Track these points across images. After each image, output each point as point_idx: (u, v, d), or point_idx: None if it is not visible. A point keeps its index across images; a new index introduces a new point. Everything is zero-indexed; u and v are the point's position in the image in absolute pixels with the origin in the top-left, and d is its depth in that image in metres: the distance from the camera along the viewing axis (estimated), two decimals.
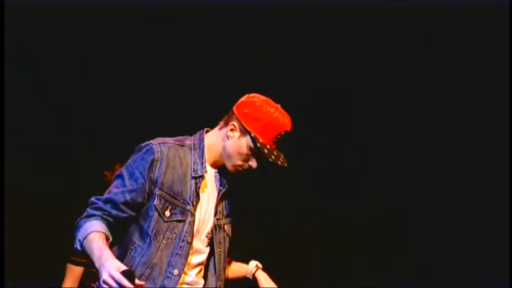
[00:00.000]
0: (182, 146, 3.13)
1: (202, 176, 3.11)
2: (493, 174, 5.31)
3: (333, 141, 5.56)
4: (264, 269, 3.55)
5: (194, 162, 3.12)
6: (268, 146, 3.06)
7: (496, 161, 5.29)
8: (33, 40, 5.35)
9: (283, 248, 5.56)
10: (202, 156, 3.13)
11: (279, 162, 3.07)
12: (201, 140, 3.17)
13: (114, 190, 3.04)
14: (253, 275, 3.49)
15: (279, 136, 3.08)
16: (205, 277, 3.18)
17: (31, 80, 5.43)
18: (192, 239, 3.06)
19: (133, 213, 3.04)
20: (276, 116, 3.08)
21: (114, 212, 3.02)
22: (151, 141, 3.10)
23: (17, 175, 5.31)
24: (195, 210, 3.08)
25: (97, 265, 2.85)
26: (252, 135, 3.06)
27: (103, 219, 3.01)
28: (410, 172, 5.51)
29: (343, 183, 5.58)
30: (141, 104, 5.51)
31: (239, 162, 3.11)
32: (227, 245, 3.22)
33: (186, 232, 3.05)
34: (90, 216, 3.02)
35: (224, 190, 3.17)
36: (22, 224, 5.37)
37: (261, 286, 3.48)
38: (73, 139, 5.46)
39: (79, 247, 2.97)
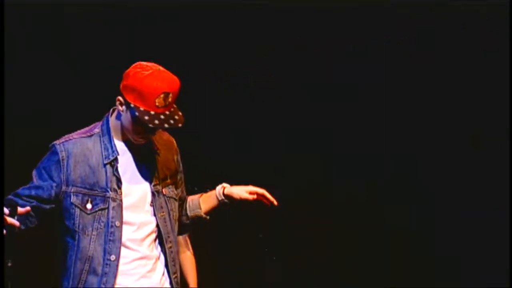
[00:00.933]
0: (90, 136, 3.21)
1: (115, 159, 3.18)
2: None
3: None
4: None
5: (104, 149, 3.18)
6: (151, 112, 3.06)
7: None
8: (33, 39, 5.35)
9: None
10: (110, 140, 3.19)
11: (167, 125, 3.07)
12: (106, 123, 3.23)
13: (21, 188, 3.16)
14: (223, 195, 3.39)
15: (160, 99, 3.07)
16: (157, 244, 3.25)
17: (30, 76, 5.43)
18: (121, 222, 3.13)
19: (38, 207, 3.11)
20: (148, 80, 3.08)
21: (20, 202, 3.09)
22: (56, 141, 3.20)
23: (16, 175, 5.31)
24: (118, 193, 3.14)
25: None
26: (132, 105, 3.09)
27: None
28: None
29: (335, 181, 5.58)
30: None
31: (136, 134, 3.15)
32: (171, 206, 3.27)
33: (112, 217, 3.13)
34: None
35: (148, 158, 3.22)
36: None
37: (237, 198, 3.37)
38: None
39: None
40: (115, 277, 3.13)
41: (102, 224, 3.13)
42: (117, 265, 3.13)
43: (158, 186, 3.23)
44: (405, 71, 5.42)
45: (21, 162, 4.86)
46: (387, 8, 5.24)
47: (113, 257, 3.13)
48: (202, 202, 3.43)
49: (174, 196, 3.30)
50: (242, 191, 3.34)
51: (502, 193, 5.21)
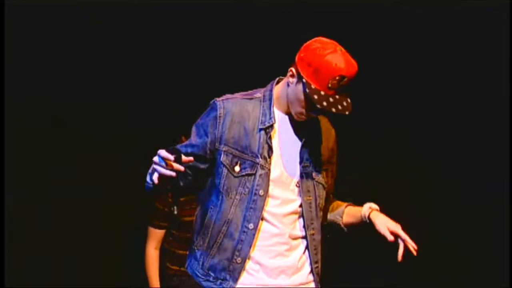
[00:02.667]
0: (251, 99, 3.12)
1: (271, 126, 3.07)
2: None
3: None
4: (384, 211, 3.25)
5: (262, 114, 3.08)
6: (322, 92, 2.94)
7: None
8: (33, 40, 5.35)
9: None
10: (270, 106, 3.09)
11: (334, 110, 2.93)
12: (270, 90, 3.13)
13: (179, 145, 3.12)
14: (368, 217, 3.19)
15: (334, 81, 2.93)
16: (299, 226, 3.14)
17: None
18: (265, 192, 3.04)
19: (195, 166, 3.04)
20: (328, 59, 2.94)
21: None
22: (217, 98, 3.13)
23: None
24: (267, 162, 3.06)
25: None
26: (304, 80, 2.97)
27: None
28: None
29: None
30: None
31: (299, 109, 3.03)
32: (318, 193, 3.14)
33: (257, 185, 3.04)
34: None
35: (305, 138, 3.11)
36: (22, 224, 5.38)
37: (377, 230, 3.14)
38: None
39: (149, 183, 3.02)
40: (250, 246, 3.06)
41: (247, 190, 3.05)
42: (254, 235, 3.05)
43: (308, 168, 3.12)
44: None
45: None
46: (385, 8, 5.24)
47: (251, 226, 3.05)
48: (346, 214, 3.28)
49: (324, 183, 3.16)
50: (384, 227, 3.11)
51: (503, 193, 5.21)
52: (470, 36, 5.24)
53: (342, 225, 3.27)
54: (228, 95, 3.14)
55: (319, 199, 3.14)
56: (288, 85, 3.05)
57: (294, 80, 3.01)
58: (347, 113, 2.95)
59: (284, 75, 3.12)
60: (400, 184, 5.41)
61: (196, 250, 3.15)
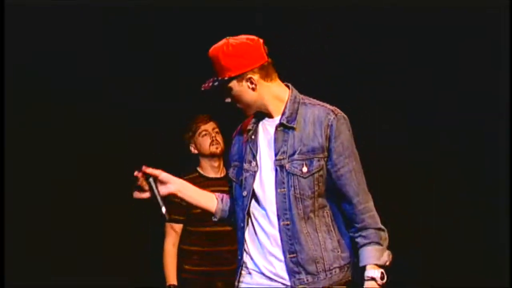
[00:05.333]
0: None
1: (254, 132, 3.26)
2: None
3: None
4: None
5: (251, 125, 3.29)
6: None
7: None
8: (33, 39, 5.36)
9: None
10: (255, 116, 3.30)
11: (202, 88, 3.20)
12: None
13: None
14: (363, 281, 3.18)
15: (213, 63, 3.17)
16: (275, 219, 3.22)
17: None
18: (248, 192, 3.21)
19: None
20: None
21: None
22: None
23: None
24: (251, 165, 3.25)
25: None
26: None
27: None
28: None
29: None
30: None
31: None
32: (293, 183, 3.16)
33: (244, 188, 3.24)
34: None
35: (281, 133, 3.20)
36: (22, 223, 5.38)
37: None
38: None
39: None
40: (242, 244, 3.23)
41: (239, 193, 3.24)
42: (243, 234, 3.22)
43: (283, 161, 3.17)
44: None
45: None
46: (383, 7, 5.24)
47: (241, 224, 3.23)
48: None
49: (299, 173, 3.16)
50: None
51: (503, 193, 5.21)
52: (470, 36, 5.25)
53: None
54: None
55: (294, 189, 3.14)
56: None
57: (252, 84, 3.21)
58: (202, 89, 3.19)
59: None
60: (401, 184, 5.41)
61: None
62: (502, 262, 5.11)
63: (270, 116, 3.21)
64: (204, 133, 4.85)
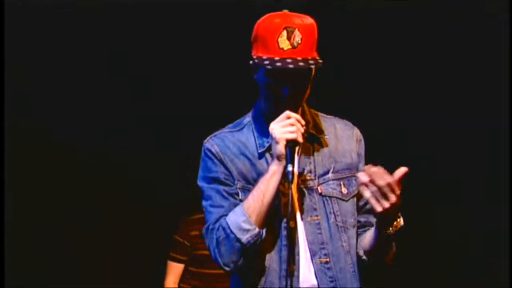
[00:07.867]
0: (241, 129, 2.74)
1: (271, 146, 2.62)
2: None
3: None
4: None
5: (257, 137, 2.70)
6: (276, 58, 2.55)
7: None
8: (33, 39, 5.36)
9: None
10: (263, 124, 2.68)
11: (292, 66, 2.52)
12: (257, 107, 2.75)
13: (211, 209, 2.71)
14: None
15: (282, 39, 2.57)
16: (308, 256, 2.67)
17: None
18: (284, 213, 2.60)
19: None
20: (265, 22, 2.62)
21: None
22: (205, 141, 2.75)
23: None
24: (283, 186, 2.61)
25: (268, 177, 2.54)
26: (256, 60, 2.62)
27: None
28: None
29: None
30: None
31: (272, 98, 2.63)
32: (332, 209, 2.63)
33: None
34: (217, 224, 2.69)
35: (299, 144, 2.58)
36: (22, 223, 5.38)
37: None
38: None
39: (244, 241, 2.61)
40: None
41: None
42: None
43: (310, 182, 2.65)
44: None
45: None
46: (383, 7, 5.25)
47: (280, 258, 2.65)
48: (361, 240, 2.79)
49: (339, 196, 2.66)
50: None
51: (503, 193, 5.21)
52: (470, 36, 5.25)
53: (363, 255, 2.77)
54: (215, 133, 2.77)
55: (334, 216, 2.64)
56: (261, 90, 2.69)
57: (254, 73, 2.69)
58: (309, 66, 2.55)
59: None
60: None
61: None
62: (502, 262, 5.11)
63: None
64: None
